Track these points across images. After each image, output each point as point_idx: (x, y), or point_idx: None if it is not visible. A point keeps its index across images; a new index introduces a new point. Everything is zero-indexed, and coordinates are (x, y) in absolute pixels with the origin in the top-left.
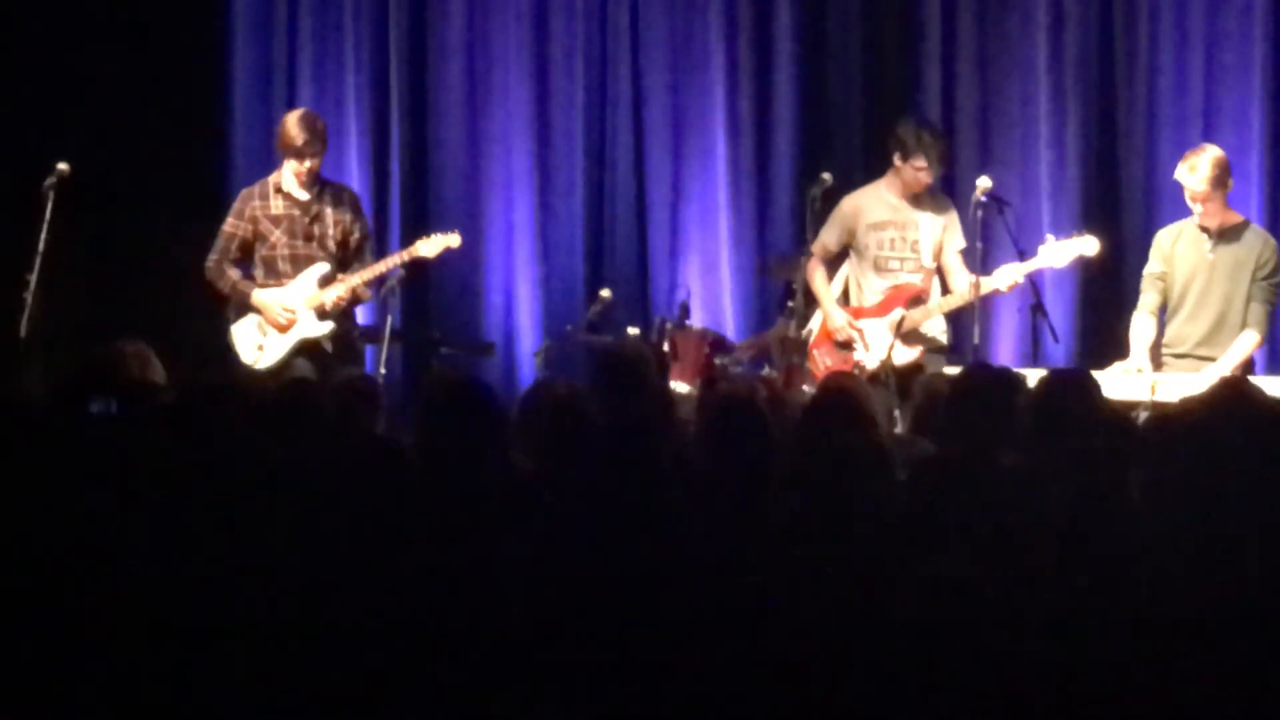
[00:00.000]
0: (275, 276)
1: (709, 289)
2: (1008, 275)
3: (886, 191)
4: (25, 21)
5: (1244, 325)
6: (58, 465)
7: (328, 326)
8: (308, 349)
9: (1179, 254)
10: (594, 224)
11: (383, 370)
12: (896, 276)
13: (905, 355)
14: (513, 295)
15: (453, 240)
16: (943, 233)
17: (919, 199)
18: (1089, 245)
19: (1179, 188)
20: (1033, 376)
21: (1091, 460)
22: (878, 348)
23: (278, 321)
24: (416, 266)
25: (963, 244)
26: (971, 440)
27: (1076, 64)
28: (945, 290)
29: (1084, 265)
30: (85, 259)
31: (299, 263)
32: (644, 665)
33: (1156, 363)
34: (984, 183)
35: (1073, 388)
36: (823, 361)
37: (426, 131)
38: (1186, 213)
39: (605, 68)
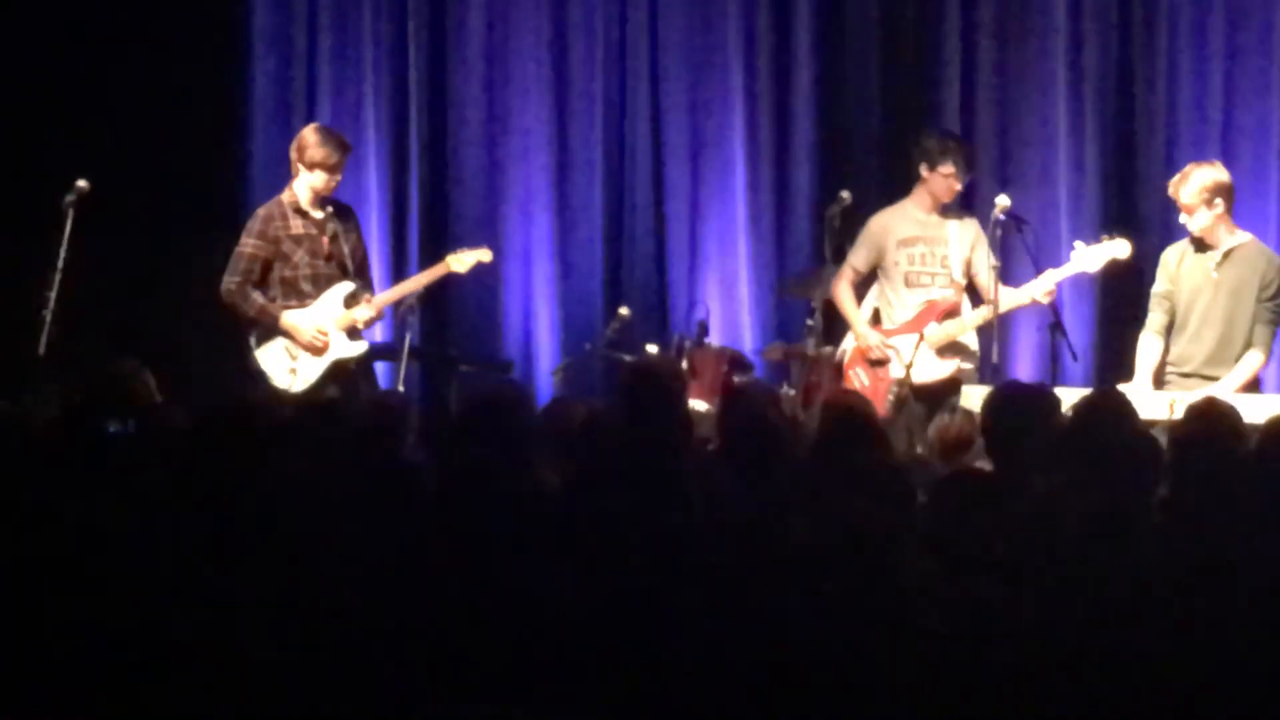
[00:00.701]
0: (298, 297)
1: (727, 307)
2: (1043, 284)
3: (914, 208)
4: (44, 38)
5: (1248, 345)
6: (75, 484)
7: (362, 347)
8: (339, 370)
9: (1184, 273)
10: (613, 242)
11: (400, 388)
12: (929, 291)
13: (941, 370)
14: (531, 313)
15: (484, 255)
16: (971, 250)
17: (946, 214)
18: (1121, 249)
19: None
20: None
21: (1124, 480)
22: (915, 364)
23: (312, 345)
24: (440, 283)
25: (995, 261)
26: (1011, 459)
27: (1095, 83)
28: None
29: (1102, 283)
30: (104, 276)
31: (320, 283)
32: (666, 684)
33: (1160, 382)
34: (1003, 201)
35: (1111, 409)
36: (859, 381)
37: (445, 149)
38: None
39: (624, 86)
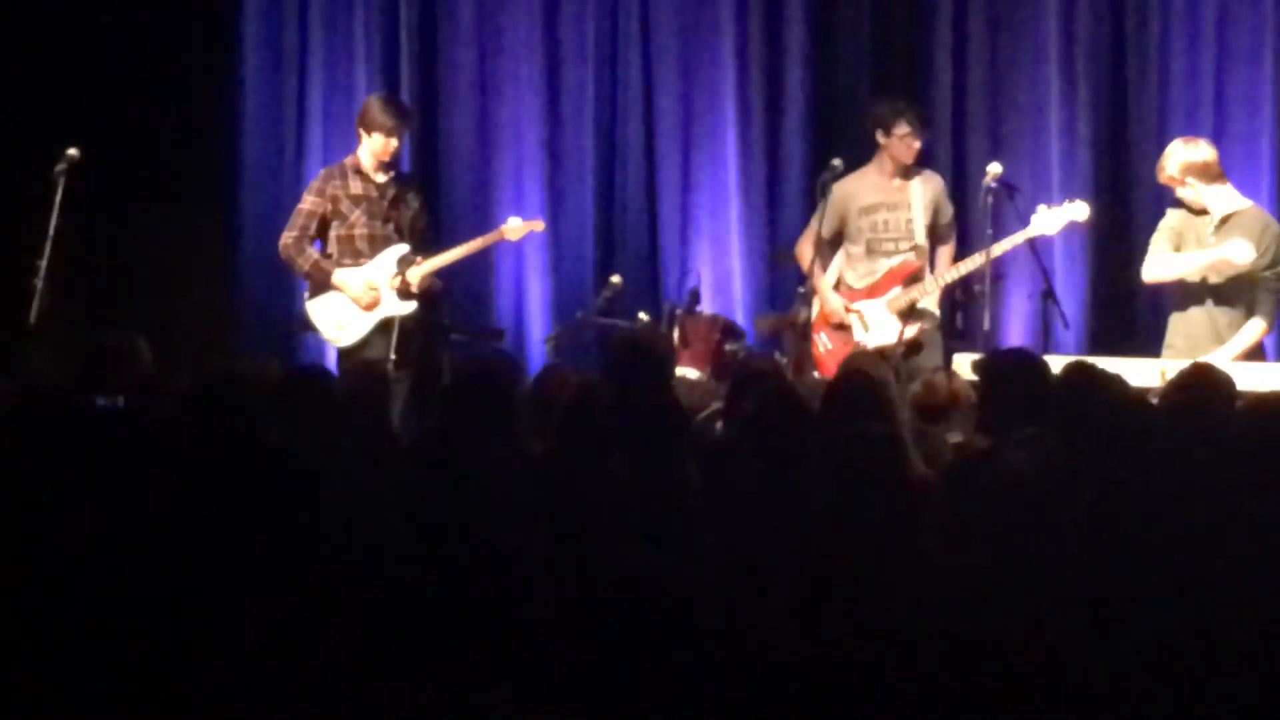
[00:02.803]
0: (354, 256)
1: (719, 275)
2: (1000, 246)
3: (876, 174)
4: (36, 8)
5: (1250, 314)
6: (66, 458)
7: (411, 306)
8: (387, 328)
9: (1184, 238)
10: (604, 211)
11: (393, 356)
12: (891, 259)
13: (906, 333)
14: (523, 281)
15: (537, 225)
16: (934, 209)
17: (908, 177)
18: (1079, 211)
19: None
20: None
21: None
22: (877, 328)
23: (361, 300)
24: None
25: (949, 217)
26: (1005, 425)
27: (1087, 50)
28: (934, 267)
29: (1094, 251)
30: (95, 246)
31: (376, 243)
32: (657, 654)
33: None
34: (994, 169)
35: (1095, 379)
36: (823, 345)
37: (437, 119)
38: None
39: (615, 54)
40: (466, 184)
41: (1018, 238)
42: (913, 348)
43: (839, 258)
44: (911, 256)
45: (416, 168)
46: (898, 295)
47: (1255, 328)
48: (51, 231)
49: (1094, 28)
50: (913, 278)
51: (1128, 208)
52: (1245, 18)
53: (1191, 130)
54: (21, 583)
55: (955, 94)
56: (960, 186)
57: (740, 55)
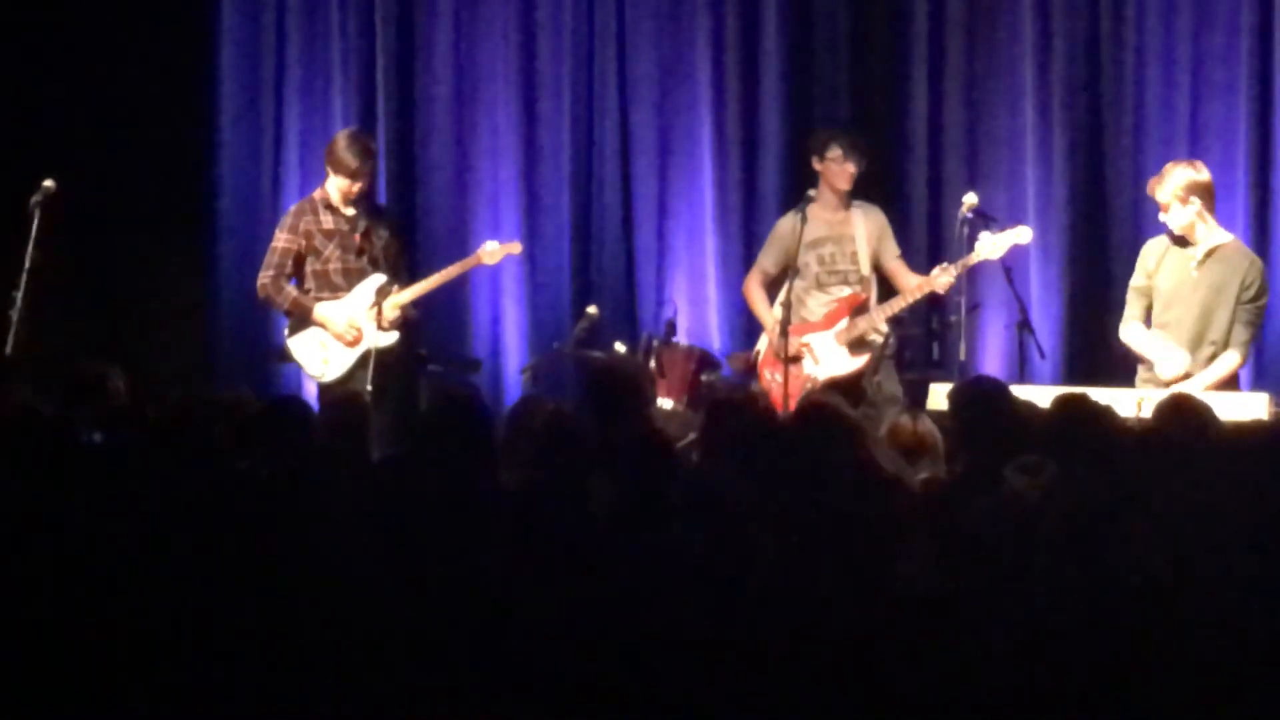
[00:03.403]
0: (330, 290)
1: (695, 306)
2: (945, 275)
3: (819, 208)
4: (12, 38)
5: (1226, 345)
6: (46, 488)
7: (392, 337)
8: (368, 360)
9: (1164, 269)
10: (581, 241)
11: (369, 387)
12: (841, 290)
13: (852, 365)
14: (500, 311)
15: (514, 248)
16: (877, 242)
17: (851, 209)
18: (1022, 234)
19: None
20: (1020, 393)
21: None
22: (827, 360)
23: (345, 337)
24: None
25: (896, 251)
26: (979, 454)
27: (1063, 82)
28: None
29: (1069, 281)
30: (71, 277)
31: (352, 276)
32: (633, 682)
33: (1140, 379)
34: (970, 199)
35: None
36: (772, 379)
37: (414, 151)
38: None
39: (592, 86)
40: (443, 215)
41: (960, 266)
42: (858, 378)
43: (785, 292)
44: (859, 289)
45: (394, 198)
46: (846, 327)
47: (1230, 360)
48: (28, 262)
49: (1070, 60)
50: (859, 309)
51: (1104, 239)
52: (1220, 51)
53: (1168, 160)
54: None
55: (932, 126)
56: (936, 216)
57: (716, 87)
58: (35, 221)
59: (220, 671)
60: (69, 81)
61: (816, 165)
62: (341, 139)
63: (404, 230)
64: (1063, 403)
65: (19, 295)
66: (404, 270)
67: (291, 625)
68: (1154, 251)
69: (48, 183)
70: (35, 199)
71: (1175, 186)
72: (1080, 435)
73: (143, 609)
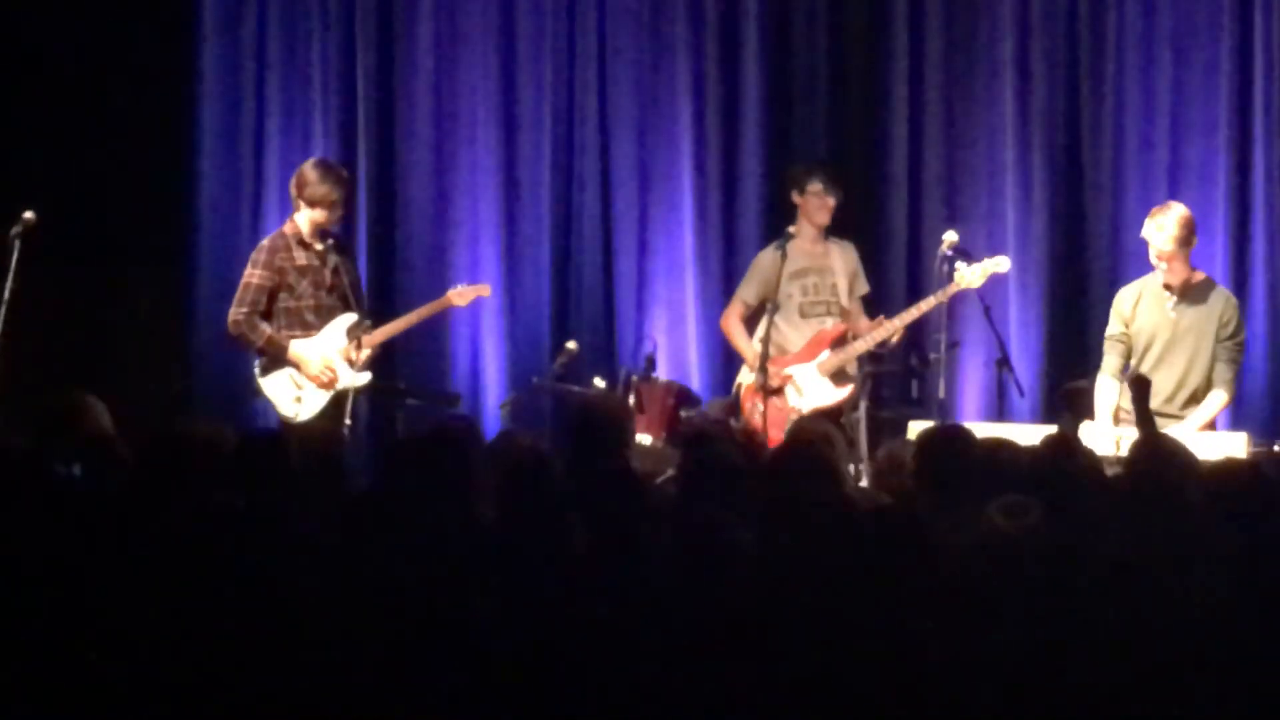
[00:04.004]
0: (302, 328)
1: (675, 342)
2: (927, 303)
3: (800, 241)
4: None
5: (1209, 385)
6: (24, 522)
7: (365, 378)
8: (340, 399)
9: (1140, 312)
10: (560, 276)
11: (348, 421)
12: (823, 321)
13: (834, 396)
14: (479, 346)
15: (484, 290)
16: (851, 277)
17: (829, 244)
18: (1001, 264)
19: (1144, 243)
20: (998, 431)
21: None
22: (810, 391)
23: (320, 379)
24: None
25: (865, 289)
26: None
27: (1043, 119)
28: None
29: (1048, 319)
30: (50, 308)
31: (323, 314)
32: (610, 713)
33: (1117, 421)
34: (950, 237)
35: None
36: (755, 411)
37: (394, 184)
38: (1150, 268)
39: (571, 121)
40: (423, 249)
41: (941, 295)
42: (839, 411)
43: (764, 325)
44: (839, 320)
45: (373, 232)
46: (828, 358)
47: (1217, 399)
48: (6, 294)
49: (1049, 97)
50: (839, 340)
51: (1083, 275)
52: (1199, 89)
53: (1146, 200)
54: None
55: (911, 162)
56: (915, 253)
57: (697, 124)
58: (15, 253)
59: (197, 704)
60: (49, 113)
61: (796, 199)
62: (312, 170)
63: (385, 266)
64: (1051, 444)
65: None
66: (365, 304)
67: (267, 657)
68: (1128, 298)
69: (27, 214)
70: (14, 230)
71: (1178, 224)
72: (1065, 477)
73: (119, 641)
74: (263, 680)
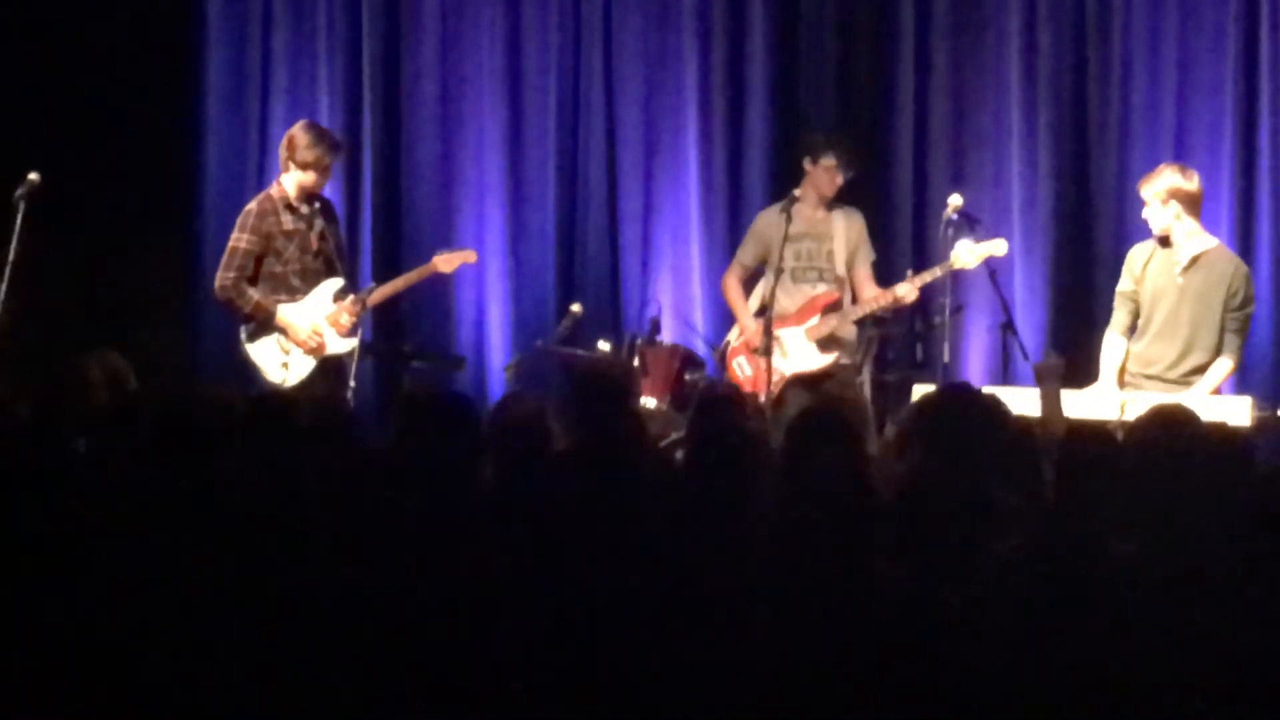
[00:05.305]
0: (288, 292)
1: (680, 305)
2: (915, 283)
3: (800, 205)
4: None
5: (1217, 352)
6: (32, 490)
7: (352, 343)
8: (327, 366)
9: (1149, 274)
10: (565, 239)
11: (353, 384)
12: (815, 287)
13: (820, 361)
14: (484, 309)
15: (469, 256)
16: (855, 246)
17: (831, 210)
18: (998, 247)
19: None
20: (1003, 394)
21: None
22: (796, 354)
23: (308, 344)
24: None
25: (873, 257)
26: (951, 462)
27: (1049, 83)
28: (854, 300)
29: (1054, 282)
30: (55, 270)
31: (308, 278)
32: (612, 687)
33: (1122, 383)
34: (955, 200)
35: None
36: (741, 371)
37: (399, 147)
38: None
39: (578, 84)
40: (429, 213)
41: (936, 271)
42: (824, 376)
43: (761, 285)
44: (834, 287)
45: (379, 197)
46: (817, 324)
47: (1223, 367)
48: (11, 256)
49: (1056, 61)
50: (831, 307)
51: (1088, 240)
52: (1206, 51)
53: (1152, 165)
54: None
55: (917, 127)
56: (921, 217)
57: (703, 87)
58: (19, 214)
59: (206, 672)
60: (54, 75)
61: (807, 166)
62: (303, 133)
63: (392, 228)
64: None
65: (2, 288)
66: (349, 268)
67: (276, 622)
68: (1140, 256)
69: (32, 175)
70: (19, 192)
71: (1159, 188)
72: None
73: (127, 608)
74: (269, 643)
